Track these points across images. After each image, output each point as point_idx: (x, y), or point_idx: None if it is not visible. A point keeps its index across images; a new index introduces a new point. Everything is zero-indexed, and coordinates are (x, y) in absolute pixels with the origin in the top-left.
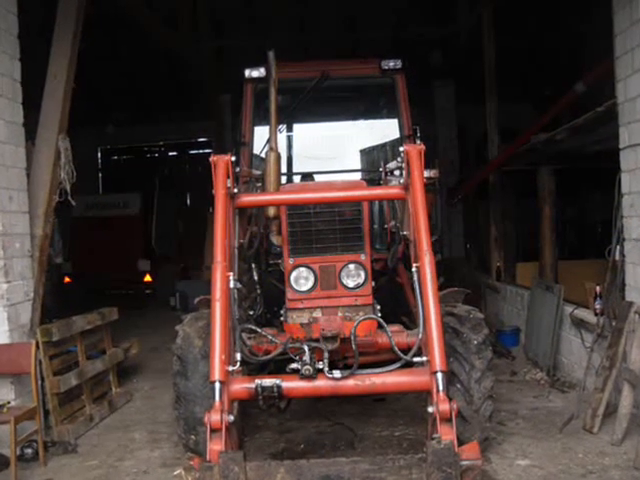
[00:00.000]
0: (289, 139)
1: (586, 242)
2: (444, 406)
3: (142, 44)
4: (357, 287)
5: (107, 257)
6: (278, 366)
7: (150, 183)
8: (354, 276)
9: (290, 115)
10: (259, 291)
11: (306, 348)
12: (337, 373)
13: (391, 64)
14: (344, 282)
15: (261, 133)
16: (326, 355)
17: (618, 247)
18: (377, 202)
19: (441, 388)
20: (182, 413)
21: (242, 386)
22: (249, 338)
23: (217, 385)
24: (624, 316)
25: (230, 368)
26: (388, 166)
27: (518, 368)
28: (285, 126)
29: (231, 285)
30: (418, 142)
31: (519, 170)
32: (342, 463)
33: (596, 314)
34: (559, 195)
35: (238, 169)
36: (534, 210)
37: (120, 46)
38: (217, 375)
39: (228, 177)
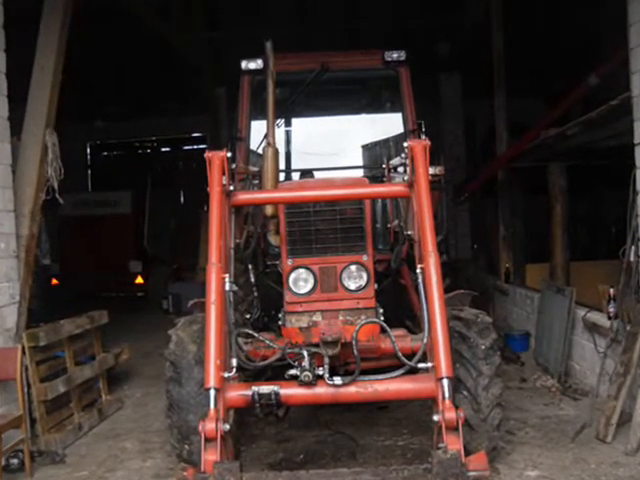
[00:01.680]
0: (287, 134)
1: (599, 242)
2: (450, 414)
3: (135, 36)
4: (359, 289)
5: (97, 258)
6: (276, 372)
7: (142, 180)
8: (356, 278)
9: (288, 109)
10: (256, 294)
11: (305, 353)
12: (338, 380)
13: (394, 56)
14: (345, 284)
15: (258, 128)
16: (326, 361)
17: (633, 247)
18: (380, 200)
19: (447, 395)
20: (175, 421)
21: (238, 393)
22: (246, 343)
23: (212, 392)
24: (639, 320)
25: (226, 374)
26: (391, 162)
27: (528, 374)
28: (283, 120)
29: (227, 287)
30: (423, 137)
31: (529, 166)
32: (343, 474)
33: (610, 318)
34: (570, 193)
35: (234, 166)
36: (544, 208)
37: (112, 37)
38: (212, 382)
39: (224, 174)
